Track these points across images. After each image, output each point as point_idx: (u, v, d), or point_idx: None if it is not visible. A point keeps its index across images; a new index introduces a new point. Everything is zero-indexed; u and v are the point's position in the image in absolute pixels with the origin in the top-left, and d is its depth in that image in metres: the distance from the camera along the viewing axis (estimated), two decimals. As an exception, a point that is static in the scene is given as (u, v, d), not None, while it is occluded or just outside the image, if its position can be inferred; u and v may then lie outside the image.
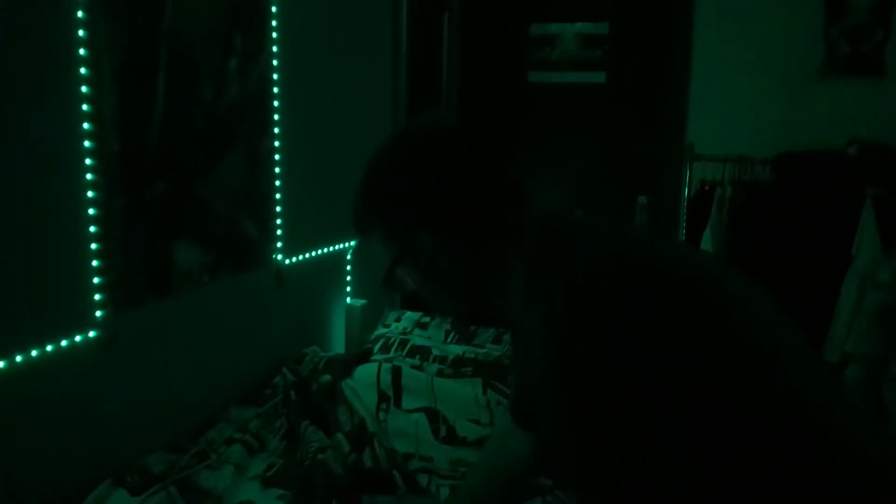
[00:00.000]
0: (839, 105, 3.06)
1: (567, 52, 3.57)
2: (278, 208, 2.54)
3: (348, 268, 3.03)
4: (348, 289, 3.04)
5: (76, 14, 1.75)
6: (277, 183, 2.52)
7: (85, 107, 1.80)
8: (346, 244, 3.00)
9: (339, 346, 2.98)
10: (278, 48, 2.45)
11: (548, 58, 3.61)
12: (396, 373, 2.47)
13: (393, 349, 2.75)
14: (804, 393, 0.96)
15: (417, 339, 2.82)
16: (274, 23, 2.42)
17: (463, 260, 1.14)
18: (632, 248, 1.07)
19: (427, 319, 2.99)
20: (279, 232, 2.56)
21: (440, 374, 2.54)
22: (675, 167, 3.34)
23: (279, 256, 2.58)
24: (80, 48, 1.77)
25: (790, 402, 0.94)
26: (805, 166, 3.01)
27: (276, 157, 2.51)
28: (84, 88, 1.79)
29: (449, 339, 2.86)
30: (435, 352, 2.70)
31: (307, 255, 2.74)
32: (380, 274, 1.25)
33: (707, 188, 3.13)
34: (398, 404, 2.40)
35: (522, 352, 1.29)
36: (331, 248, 2.90)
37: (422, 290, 1.20)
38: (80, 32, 1.77)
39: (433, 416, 2.33)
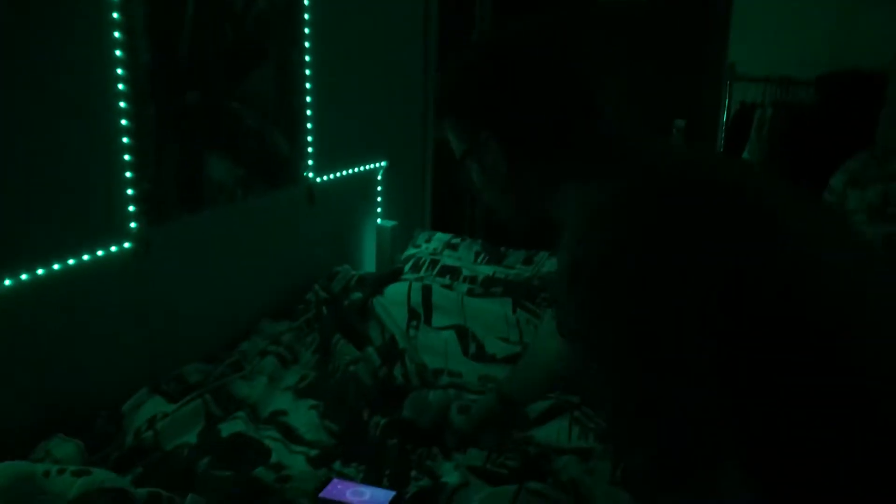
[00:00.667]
0: (890, 22, 2.92)
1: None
2: (309, 125, 2.52)
3: (379, 188, 3.02)
4: (379, 209, 3.04)
5: (103, -83, 1.72)
6: (308, 99, 2.49)
7: (115, 15, 1.77)
8: (378, 164, 2.98)
9: (369, 265, 3.00)
10: (309, -41, 2.39)
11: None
12: (427, 291, 2.48)
13: (423, 269, 2.75)
14: (838, 298, 0.94)
15: (448, 259, 2.82)
16: (304, -69, 2.36)
17: (523, 168, 1.12)
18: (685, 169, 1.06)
19: (457, 241, 2.99)
20: (310, 149, 2.55)
21: (470, 293, 2.54)
22: (714, 88, 3.25)
23: (310, 174, 2.57)
24: (108, -47, 1.74)
25: (823, 307, 0.92)
26: (850, 87, 2.91)
27: (307, 72, 2.47)
28: (113, -4, 1.76)
29: (479, 260, 2.86)
30: (465, 272, 2.70)
31: (339, 174, 2.73)
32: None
33: (747, 109, 3.04)
34: (428, 321, 2.42)
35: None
36: (362, 168, 2.89)
37: (482, 190, 1.20)
38: (108, -63, 1.73)
39: (463, 333, 2.35)
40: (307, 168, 2.56)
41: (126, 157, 1.86)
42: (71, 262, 1.76)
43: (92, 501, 1.43)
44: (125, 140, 1.85)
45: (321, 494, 1.64)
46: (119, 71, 1.80)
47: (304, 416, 1.95)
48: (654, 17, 3.38)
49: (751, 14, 3.17)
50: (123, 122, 1.84)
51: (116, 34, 1.78)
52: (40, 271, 1.69)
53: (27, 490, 1.45)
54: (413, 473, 1.72)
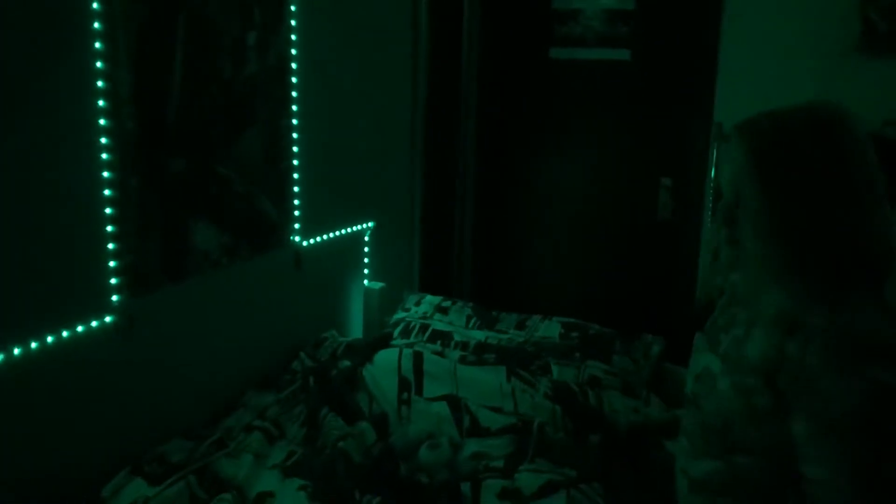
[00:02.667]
0: (876, 84, 2.94)
1: (591, 28, 3.46)
2: (296, 188, 2.47)
3: (366, 249, 2.96)
4: (366, 271, 2.98)
5: (90, -15, 1.67)
6: (296, 162, 2.44)
7: (100, 83, 1.72)
8: (364, 226, 2.92)
9: (356, 330, 2.92)
10: (297, 22, 2.36)
11: (571, 33, 3.50)
12: (418, 358, 2.40)
13: (413, 334, 2.68)
14: None
15: (438, 323, 2.76)
16: (293, -4, 2.34)
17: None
18: None
19: (448, 304, 2.93)
20: (297, 213, 2.49)
21: (462, 360, 2.47)
22: (701, 148, 3.25)
23: (297, 238, 2.51)
24: (94, 21, 1.69)
25: None
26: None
27: (295, 135, 2.43)
28: (98, 64, 1.71)
29: (471, 325, 2.79)
30: (456, 337, 2.64)
31: (325, 237, 2.67)
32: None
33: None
34: (419, 391, 2.33)
35: None
36: (349, 229, 2.83)
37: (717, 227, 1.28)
38: (95, 5, 1.69)
39: (455, 404, 2.27)
40: (294, 232, 2.50)
41: (109, 228, 1.79)
42: (50, 339, 1.67)
43: None
44: (108, 211, 1.78)
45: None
46: (103, 140, 1.75)
47: (292, 498, 1.85)
48: (639, 74, 3.40)
49: (737, 73, 3.18)
50: (107, 192, 1.77)
51: (101, 102, 1.73)
52: (16, 351, 1.60)
53: None
54: (409, 560, 1.63)
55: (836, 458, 1.06)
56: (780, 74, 3.08)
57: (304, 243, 2.55)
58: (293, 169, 2.44)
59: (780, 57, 3.07)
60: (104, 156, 1.75)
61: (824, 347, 1.08)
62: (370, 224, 2.95)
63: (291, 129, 2.41)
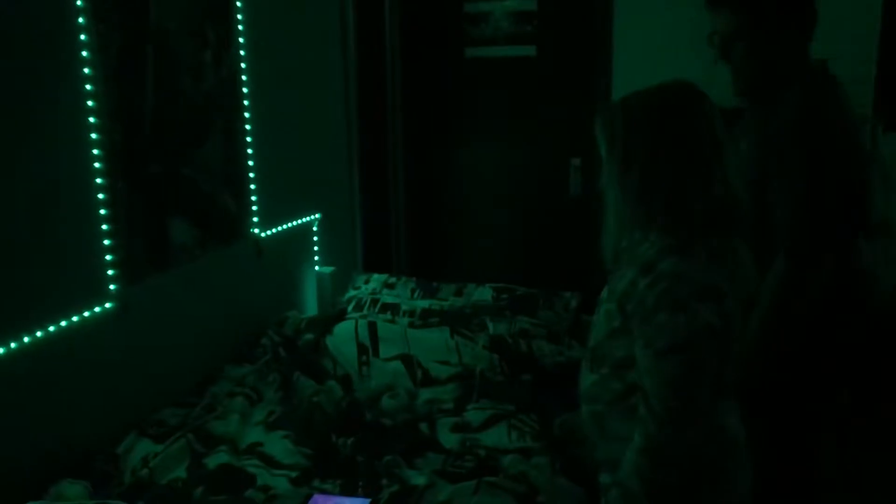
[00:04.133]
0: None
1: (500, 28, 3.86)
2: (253, 186, 2.78)
3: (315, 238, 3.30)
4: (316, 258, 3.31)
5: (78, 20, 1.97)
6: (251, 163, 2.76)
7: (90, 103, 2.02)
8: (313, 216, 3.26)
9: (312, 309, 3.25)
10: (244, 39, 2.68)
11: (482, 34, 3.90)
12: (372, 326, 2.76)
13: (366, 308, 3.04)
14: None
15: (387, 297, 3.12)
16: (240, 16, 2.65)
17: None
18: None
19: (393, 280, 3.29)
20: (255, 207, 2.81)
21: (411, 325, 2.85)
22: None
23: (256, 230, 2.83)
24: (82, 51, 1.99)
25: None
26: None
27: (248, 139, 2.74)
28: (88, 86, 2.01)
29: (415, 296, 3.17)
30: (404, 307, 3.01)
31: (280, 228, 3.00)
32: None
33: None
34: (376, 353, 2.69)
35: None
36: (300, 221, 3.16)
37: (608, 189, 1.44)
38: (82, 37, 1.98)
39: (408, 361, 2.64)
40: (253, 224, 2.82)
41: (104, 226, 2.09)
42: (63, 323, 1.97)
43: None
44: (102, 212, 2.08)
45: (307, 507, 1.89)
46: (95, 151, 2.04)
47: (279, 445, 2.19)
48: (546, 67, 3.81)
49: (630, 62, 3.60)
50: (100, 195, 2.07)
51: (92, 119, 2.02)
52: (38, 333, 1.89)
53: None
54: (384, 482, 1.98)
55: (659, 374, 1.31)
56: (667, 60, 3.51)
57: (263, 234, 2.88)
58: (249, 168, 2.76)
59: (667, 45, 3.49)
60: (97, 165, 2.05)
61: (663, 289, 1.30)
62: (317, 215, 3.28)
63: (245, 133, 2.73)
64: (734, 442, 1.45)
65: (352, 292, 3.24)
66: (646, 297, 1.32)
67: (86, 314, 2.04)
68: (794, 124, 1.80)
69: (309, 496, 1.93)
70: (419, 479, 1.98)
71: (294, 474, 2.05)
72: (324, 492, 1.97)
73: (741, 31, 1.84)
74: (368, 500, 1.90)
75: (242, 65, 2.68)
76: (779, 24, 1.84)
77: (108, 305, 2.12)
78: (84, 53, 1.99)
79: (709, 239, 1.34)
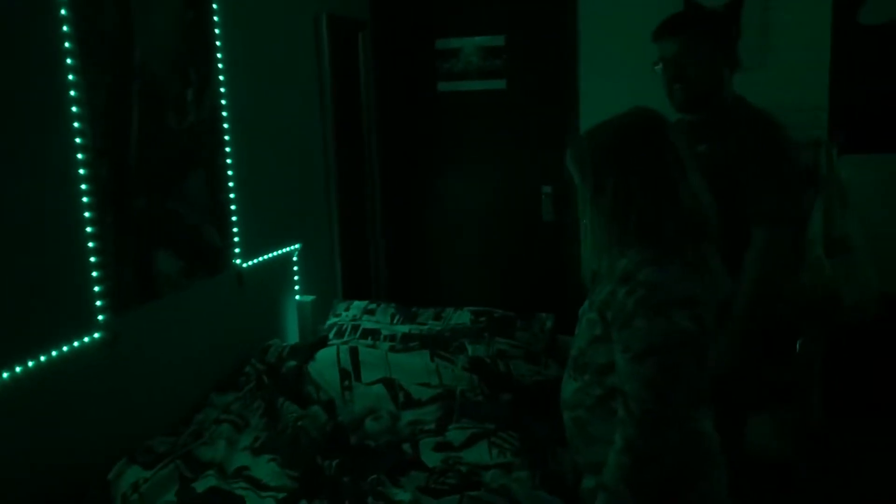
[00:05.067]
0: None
1: (470, 63, 4.00)
2: (235, 218, 2.86)
3: (295, 268, 3.37)
4: (297, 287, 3.38)
5: (66, 61, 2.05)
6: (233, 196, 2.84)
7: (78, 140, 2.10)
8: (293, 247, 3.34)
9: (293, 337, 3.31)
10: (224, 77, 2.77)
11: (453, 69, 4.04)
12: (354, 352, 2.83)
13: (346, 334, 3.11)
14: None
15: (367, 323, 3.20)
16: (220, 55, 2.75)
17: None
18: None
19: (373, 306, 3.37)
20: (237, 238, 2.88)
21: (392, 349, 2.92)
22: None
23: (238, 260, 2.91)
24: (71, 90, 2.07)
25: None
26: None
27: (230, 172, 2.83)
28: (76, 124, 2.09)
29: (395, 321, 3.25)
30: (384, 332, 3.08)
31: (261, 258, 3.07)
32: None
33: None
34: (358, 378, 2.76)
35: None
36: (281, 251, 3.24)
37: (583, 215, 1.52)
38: (70, 77, 2.07)
39: (390, 384, 2.71)
40: (235, 255, 2.89)
41: (92, 258, 2.15)
42: (54, 353, 2.02)
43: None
44: (91, 244, 2.15)
45: (295, 526, 1.95)
46: (84, 186, 2.12)
47: (265, 468, 2.25)
48: (516, 99, 3.95)
49: (595, 92, 3.75)
50: (89, 228, 2.14)
51: (80, 155, 2.10)
52: (29, 364, 1.95)
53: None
54: (369, 500, 2.04)
55: (637, 377, 1.38)
56: (631, 89, 3.67)
57: (245, 265, 2.95)
58: (231, 202, 2.84)
59: (629, 77, 3.66)
60: (85, 199, 2.12)
61: (640, 297, 1.38)
62: (297, 245, 3.36)
63: (226, 167, 2.81)
64: (710, 446, 1.52)
65: (333, 319, 3.31)
66: (625, 304, 1.40)
67: (76, 344, 2.10)
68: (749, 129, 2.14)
69: (297, 516, 1.99)
70: (403, 497, 2.05)
71: (281, 496, 2.10)
72: (311, 511, 2.03)
73: (680, 55, 2.17)
74: (355, 518, 1.96)
75: (223, 101, 2.77)
76: (712, 47, 2.19)
77: (97, 335, 2.17)
78: (72, 93, 2.07)
79: (682, 250, 1.43)
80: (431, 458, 2.31)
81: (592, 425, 1.52)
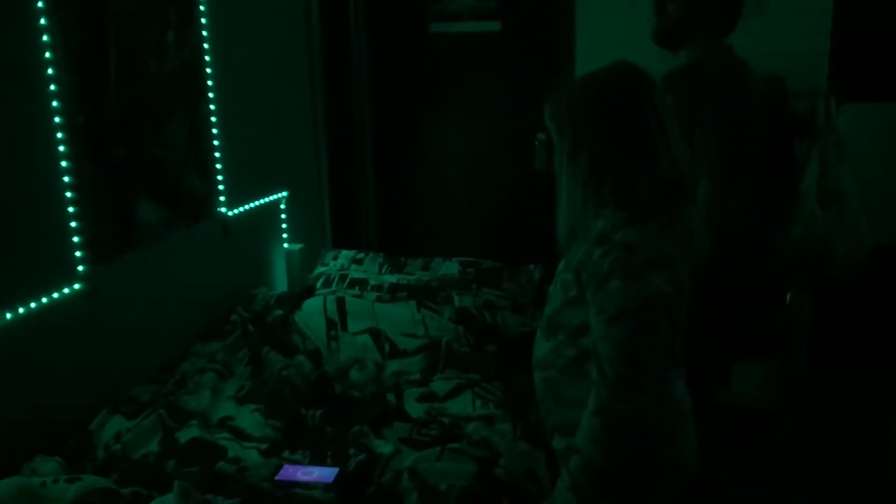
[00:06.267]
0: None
1: (463, 3, 3.90)
2: (219, 166, 2.82)
3: (283, 216, 3.34)
4: (285, 235, 3.35)
5: (36, 4, 1.98)
6: (216, 143, 2.79)
7: (52, 87, 2.04)
8: (280, 194, 3.30)
9: (281, 286, 3.30)
10: (207, 20, 2.69)
11: (446, 10, 3.93)
12: (340, 301, 2.83)
13: (334, 284, 3.10)
14: None
15: (355, 273, 3.18)
16: (201, -6, 2.67)
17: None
18: None
19: (362, 256, 3.35)
20: (221, 187, 2.84)
21: (379, 300, 2.91)
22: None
23: (223, 209, 2.87)
24: (42, 35, 2.00)
25: None
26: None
27: (213, 119, 2.77)
28: (49, 70, 2.03)
29: (383, 271, 3.23)
30: (372, 282, 3.07)
31: (247, 206, 3.04)
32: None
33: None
34: (344, 328, 2.76)
35: None
36: (267, 199, 3.20)
37: (560, 173, 1.49)
38: (42, 21, 2.00)
39: (376, 335, 2.71)
40: (220, 204, 2.85)
41: (71, 209, 2.12)
42: (33, 305, 2.01)
43: (88, 501, 1.71)
44: (69, 194, 2.11)
45: (277, 477, 1.96)
46: (59, 135, 2.07)
47: (249, 419, 2.26)
48: (510, 42, 3.85)
49: (592, 35, 3.64)
50: (66, 178, 2.10)
51: (55, 103, 2.05)
52: (9, 315, 1.93)
53: (27, 501, 1.71)
54: (351, 451, 2.06)
55: (611, 339, 1.36)
56: (628, 34, 3.57)
57: (230, 213, 2.91)
58: (215, 149, 2.79)
59: (628, 19, 3.54)
60: (61, 148, 2.08)
61: (616, 257, 1.35)
62: (285, 193, 3.32)
63: (210, 114, 2.75)
64: (681, 407, 1.52)
65: (320, 268, 3.29)
66: (600, 266, 1.37)
67: (55, 295, 2.08)
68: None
69: (279, 467, 2.00)
70: (385, 448, 2.06)
71: (264, 446, 2.12)
72: (293, 462, 2.04)
73: None
74: (336, 469, 1.98)
75: (205, 45, 2.70)
76: None
77: (77, 286, 2.15)
78: (44, 37, 2.00)
79: (659, 211, 1.40)
80: (415, 409, 2.32)
81: (564, 386, 1.51)
